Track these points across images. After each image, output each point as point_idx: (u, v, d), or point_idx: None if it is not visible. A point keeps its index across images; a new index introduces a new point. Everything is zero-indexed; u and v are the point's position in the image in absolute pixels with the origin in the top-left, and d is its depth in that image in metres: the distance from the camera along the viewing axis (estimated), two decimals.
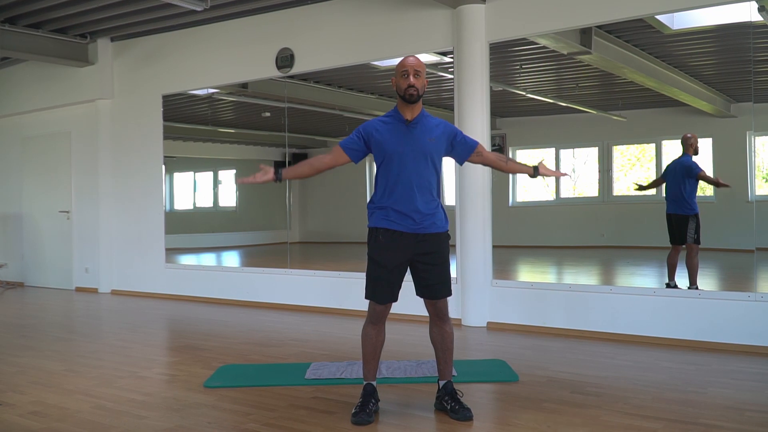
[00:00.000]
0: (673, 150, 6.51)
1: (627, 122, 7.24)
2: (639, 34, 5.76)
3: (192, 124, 9.05)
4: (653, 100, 7.03)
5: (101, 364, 4.56)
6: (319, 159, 3.30)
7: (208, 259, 9.56)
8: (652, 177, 7.20)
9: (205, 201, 10.22)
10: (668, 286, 5.49)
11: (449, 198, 6.07)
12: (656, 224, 5.93)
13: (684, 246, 5.57)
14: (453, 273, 5.53)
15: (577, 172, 7.88)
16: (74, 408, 3.51)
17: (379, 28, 6.29)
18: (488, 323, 5.66)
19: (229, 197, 10.44)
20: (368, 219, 3.28)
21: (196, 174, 10.08)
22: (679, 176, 5.70)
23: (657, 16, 5.25)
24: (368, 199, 3.32)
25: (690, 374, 4.03)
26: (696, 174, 5.67)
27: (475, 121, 5.58)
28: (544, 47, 6.00)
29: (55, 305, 7.70)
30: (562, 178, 7.85)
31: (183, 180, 9.74)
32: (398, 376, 3.96)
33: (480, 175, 5.68)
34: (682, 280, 5.47)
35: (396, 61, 4.23)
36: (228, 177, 10.42)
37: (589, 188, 7.82)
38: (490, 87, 5.73)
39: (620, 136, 7.40)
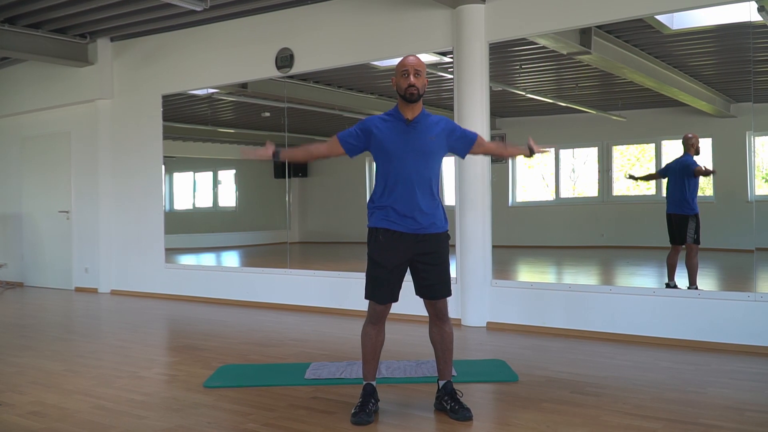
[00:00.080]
0: (673, 150, 6.52)
1: (627, 122, 7.24)
2: (639, 34, 5.76)
3: (192, 124, 9.04)
4: (653, 100, 7.03)
5: (101, 364, 4.56)
6: (317, 147, 3.36)
7: (207, 259, 9.56)
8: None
9: (205, 201, 10.22)
10: (668, 286, 5.49)
11: (449, 198, 6.07)
12: (656, 224, 5.93)
13: (684, 246, 5.57)
14: (453, 273, 5.55)
15: (576, 172, 7.88)
16: (74, 408, 3.51)
17: (378, 28, 6.29)
18: (488, 323, 5.66)
19: (228, 197, 10.43)
20: (368, 219, 3.28)
21: (196, 174, 10.07)
22: (681, 176, 5.70)
23: (657, 16, 5.25)
24: (368, 199, 3.32)
25: (689, 374, 4.03)
26: (693, 170, 5.66)
27: (474, 121, 5.58)
28: (543, 47, 6.00)
29: (55, 305, 7.70)
30: (562, 180, 7.86)
31: (183, 180, 9.74)
32: (398, 376, 3.96)
33: (480, 175, 5.68)
34: (681, 280, 5.47)
35: (396, 61, 4.23)
36: (228, 177, 10.42)
37: (589, 188, 7.82)
38: (490, 87, 5.73)
39: (620, 136, 7.40)
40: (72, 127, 8.87)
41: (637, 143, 7.32)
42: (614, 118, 7.35)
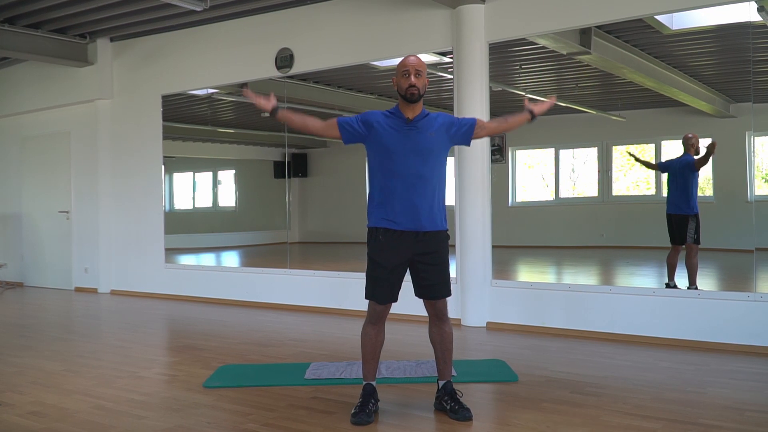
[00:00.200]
0: (672, 150, 6.52)
1: (626, 122, 7.25)
2: (638, 34, 5.76)
3: (191, 124, 9.04)
4: (653, 101, 7.04)
5: (100, 364, 4.55)
6: (313, 121, 3.29)
7: (207, 259, 9.56)
8: (651, 177, 7.21)
9: (205, 201, 10.22)
10: (668, 286, 5.49)
11: (449, 198, 6.06)
12: (656, 224, 5.94)
13: (684, 246, 5.57)
14: (453, 273, 5.55)
15: (576, 172, 7.88)
16: (73, 408, 3.51)
17: (378, 28, 6.29)
18: (488, 323, 5.66)
19: (228, 197, 10.43)
20: (367, 219, 3.28)
21: (196, 174, 10.07)
22: (681, 176, 5.71)
23: (656, 17, 5.25)
24: (367, 199, 3.32)
25: (689, 374, 4.03)
26: (692, 165, 5.65)
27: None
28: (543, 47, 6.00)
29: (55, 305, 7.70)
30: (562, 180, 7.85)
31: (182, 180, 9.74)
32: (398, 376, 3.96)
33: (480, 175, 5.68)
34: (681, 280, 5.48)
35: (396, 61, 4.23)
36: (227, 177, 10.42)
37: (589, 188, 7.82)
38: (490, 87, 5.73)
39: (620, 136, 7.40)
40: (72, 127, 8.87)
41: (636, 143, 7.32)
42: (614, 118, 7.35)
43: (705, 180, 6.42)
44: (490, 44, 5.69)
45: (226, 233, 10.33)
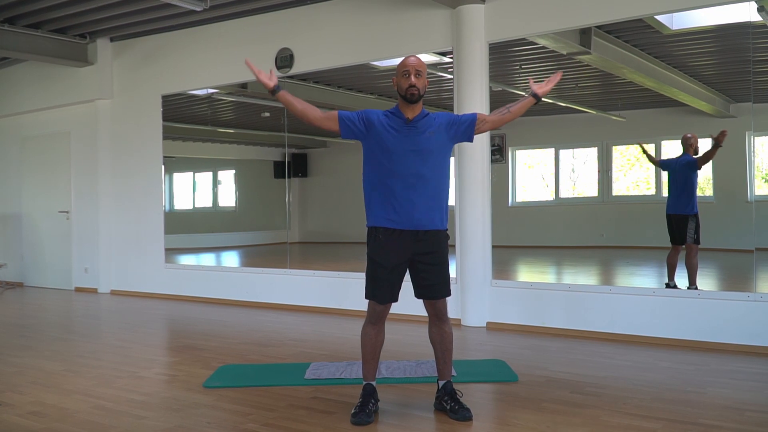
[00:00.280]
0: (672, 150, 6.52)
1: (626, 122, 7.25)
2: (638, 34, 5.77)
3: (191, 125, 9.04)
4: (653, 101, 7.04)
5: (100, 364, 4.55)
6: (314, 110, 3.24)
7: (207, 259, 9.56)
8: (652, 177, 7.21)
9: (205, 201, 10.22)
10: (668, 286, 5.49)
11: (449, 198, 6.07)
12: (656, 224, 5.94)
13: (684, 246, 5.57)
14: (452, 273, 5.56)
15: (576, 172, 7.88)
16: (73, 408, 3.51)
17: (378, 28, 6.29)
18: (488, 323, 5.66)
19: (228, 197, 10.43)
20: (367, 218, 3.28)
21: (196, 174, 10.07)
22: (680, 176, 5.71)
23: (656, 17, 5.25)
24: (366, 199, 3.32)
25: (689, 374, 4.03)
26: (695, 163, 5.65)
27: None
28: (543, 47, 6.00)
29: (55, 305, 7.70)
30: (562, 180, 7.86)
31: (182, 180, 9.74)
32: (398, 376, 3.96)
33: (480, 175, 5.68)
34: (681, 280, 5.47)
35: (396, 61, 4.23)
36: (227, 177, 10.42)
37: (589, 188, 7.82)
38: (490, 87, 5.73)
39: (620, 136, 7.40)
40: (72, 127, 8.87)
41: (636, 143, 7.32)
42: (614, 118, 7.36)
43: (705, 180, 6.42)
44: (490, 44, 5.69)
45: (226, 233, 10.33)
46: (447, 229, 3.30)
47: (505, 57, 6.19)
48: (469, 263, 5.69)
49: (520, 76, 7.00)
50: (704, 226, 5.55)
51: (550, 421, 3.16)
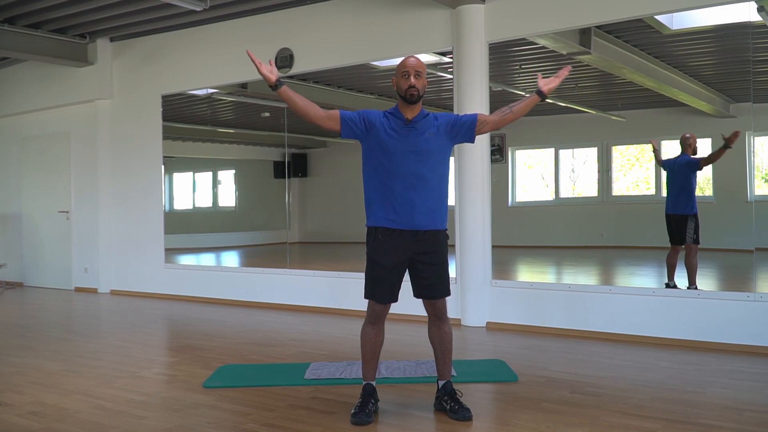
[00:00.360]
0: (672, 150, 6.52)
1: (626, 122, 7.25)
2: (638, 34, 5.77)
3: (191, 124, 9.04)
4: (652, 101, 7.04)
5: (100, 364, 4.56)
6: (315, 109, 3.18)
7: (207, 259, 9.56)
8: (651, 177, 7.22)
9: (205, 201, 10.22)
10: (667, 286, 5.49)
11: (449, 198, 6.07)
12: (655, 224, 5.94)
13: (683, 246, 5.57)
14: (452, 273, 5.57)
15: (576, 172, 7.89)
16: (73, 408, 3.51)
17: (378, 28, 6.29)
18: (487, 323, 5.66)
19: (228, 197, 10.44)
20: (366, 218, 3.28)
21: (196, 174, 10.08)
22: (679, 176, 5.70)
23: (656, 17, 5.25)
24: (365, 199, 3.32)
25: (689, 374, 4.03)
26: (697, 164, 5.65)
27: None
28: (543, 47, 6.00)
29: (55, 305, 7.70)
30: (562, 180, 7.85)
31: (182, 180, 9.74)
32: (397, 376, 3.96)
33: (480, 174, 5.68)
34: (681, 280, 5.48)
35: (395, 61, 4.23)
36: (227, 177, 10.42)
37: (589, 188, 7.82)
38: (490, 87, 5.73)
39: (619, 136, 7.41)
40: (72, 127, 8.87)
41: (636, 143, 7.33)
42: (614, 118, 7.36)
43: (705, 180, 6.43)
44: (490, 44, 5.69)
45: (226, 233, 10.33)
46: (447, 229, 3.31)
47: (505, 57, 6.19)
48: (469, 263, 5.69)
49: (520, 76, 7.00)
50: (704, 226, 5.55)
51: (550, 421, 3.16)
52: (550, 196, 7.98)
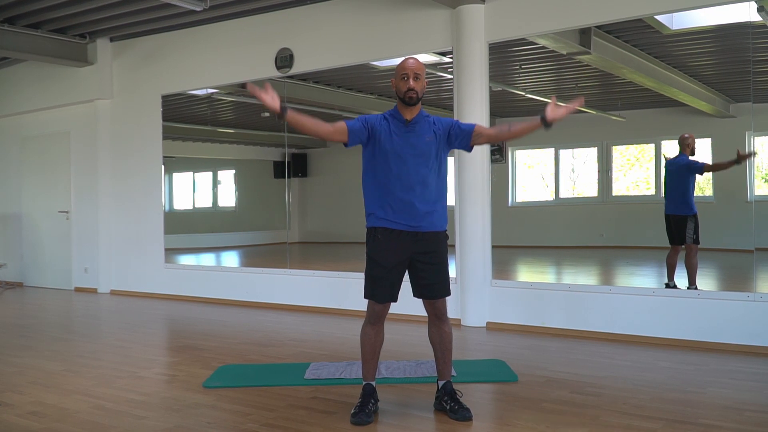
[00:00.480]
0: (672, 150, 6.52)
1: (626, 122, 7.25)
2: (638, 34, 5.77)
3: (191, 125, 9.04)
4: (652, 101, 7.04)
5: (100, 364, 4.55)
6: (323, 125, 3.16)
7: (207, 259, 9.56)
8: (651, 177, 7.22)
9: (205, 201, 10.23)
10: (667, 286, 5.49)
11: (449, 198, 6.07)
12: (655, 224, 5.94)
13: (683, 246, 5.57)
14: (452, 273, 5.56)
15: (576, 172, 7.89)
16: (73, 408, 3.51)
17: (378, 28, 6.29)
18: (487, 323, 5.66)
19: (228, 197, 10.44)
20: (366, 219, 3.28)
21: (196, 174, 10.08)
22: (679, 176, 5.70)
23: (656, 17, 5.25)
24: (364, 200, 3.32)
25: (689, 374, 4.03)
26: (701, 168, 5.65)
27: (474, 121, 5.57)
28: (543, 47, 6.01)
29: (54, 305, 7.70)
30: (562, 180, 7.85)
31: (182, 180, 9.74)
32: (397, 376, 3.96)
33: (480, 175, 5.68)
34: (681, 280, 5.48)
35: (395, 61, 4.23)
36: (227, 177, 10.42)
37: (589, 188, 7.83)
38: (490, 87, 5.73)
39: (619, 136, 7.41)
40: (71, 127, 8.87)
41: (636, 143, 7.33)
42: (614, 118, 7.36)
43: (705, 180, 6.43)
44: (490, 44, 5.69)
45: (226, 233, 10.33)
46: (446, 230, 3.31)
47: (505, 57, 6.19)
48: (468, 263, 5.69)
49: (520, 76, 7.00)
50: (704, 226, 5.55)
51: (550, 421, 3.16)
52: (550, 196, 7.98)
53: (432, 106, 6.74)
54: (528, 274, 7.66)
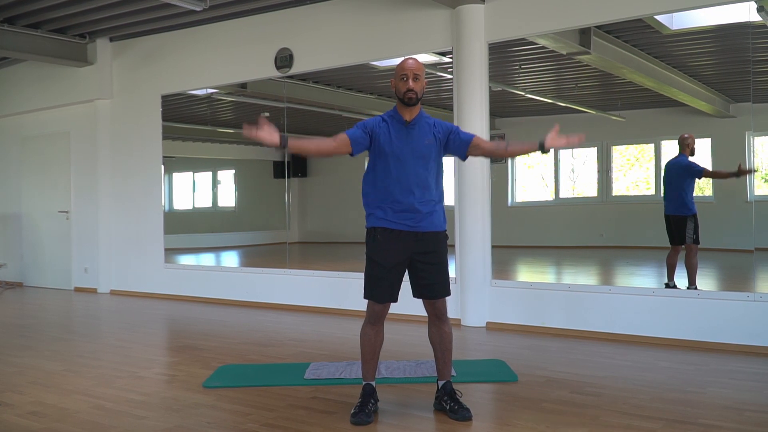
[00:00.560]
0: (672, 150, 6.52)
1: (626, 122, 7.25)
2: (638, 34, 5.77)
3: (191, 124, 9.04)
4: (652, 101, 7.04)
5: (100, 364, 4.55)
6: (325, 143, 3.20)
7: (207, 259, 9.56)
8: (651, 177, 7.22)
9: (204, 201, 10.22)
10: (667, 286, 5.49)
11: (449, 198, 6.07)
12: (655, 224, 5.94)
13: (683, 246, 5.57)
14: (452, 273, 5.56)
15: (576, 172, 7.89)
16: (73, 408, 3.51)
17: (378, 28, 6.29)
18: (487, 323, 5.66)
19: (228, 197, 10.44)
20: (366, 219, 3.29)
21: (195, 174, 10.08)
22: (678, 176, 5.70)
23: (656, 17, 5.25)
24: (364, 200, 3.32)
25: (689, 374, 4.03)
26: (699, 173, 5.65)
27: (474, 121, 5.58)
28: (543, 47, 6.01)
29: (54, 305, 7.70)
30: (562, 180, 7.85)
31: (182, 180, 9.74)
32: (397, 376, 3.96)
33: (479, 174, 5.68)
34: (681, 280, 5.48)
35: (395, 61, 4.23)
36: (227, 177, 10.42)
37: (588, 188, 7.83)
38: (490, 87, 5.73)
39: (619, 136, 7.41)
40: (71, 127, 8.87)
41: (636, 143, 7.33)
42: (613, 118, 7.36)
43: (705, 180, 6.43)
44: (489, 44, 5.69)
45: (226, 233, 10.33)
46: (446, 230, 3.31)
47: (504, 57, 6.19)
48: (468, 263, 5.69)
49: (519, 76, 7.00)
50: (704, 226, 5.55)
51: (550, 421, 3.16)
52: (549, 196, 7.99)
53: (432, 106, 6.75)
54: (528, 274, 7.66)
